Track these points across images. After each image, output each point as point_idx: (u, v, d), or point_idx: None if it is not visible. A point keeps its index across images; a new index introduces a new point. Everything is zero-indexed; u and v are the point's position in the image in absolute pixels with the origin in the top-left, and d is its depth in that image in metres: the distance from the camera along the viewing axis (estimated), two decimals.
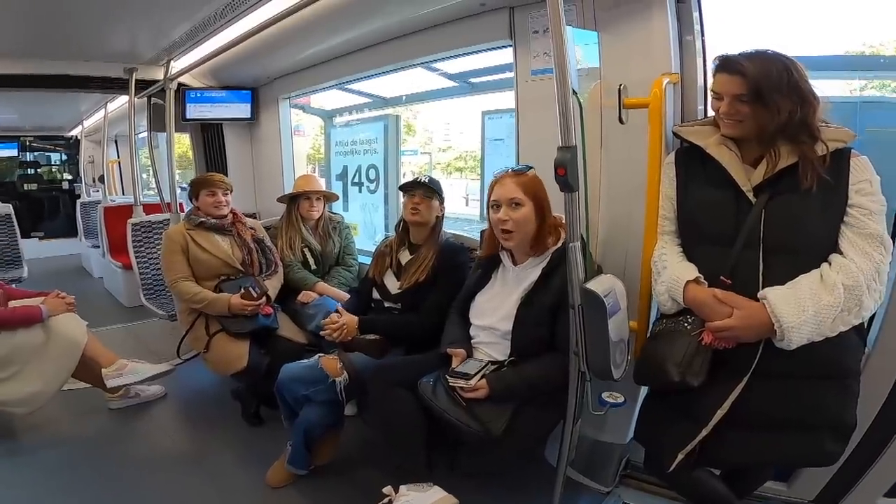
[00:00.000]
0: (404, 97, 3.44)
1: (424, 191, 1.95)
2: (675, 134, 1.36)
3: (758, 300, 1.14)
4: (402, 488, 1.50)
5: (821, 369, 1.17)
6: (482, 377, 1.48)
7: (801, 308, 1.09)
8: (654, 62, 1.53)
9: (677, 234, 1.34)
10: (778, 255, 1.16)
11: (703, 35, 1.59)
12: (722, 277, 1.20)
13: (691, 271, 1.24)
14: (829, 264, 1.13)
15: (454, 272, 1.92)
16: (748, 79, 1.13)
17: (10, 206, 4.39)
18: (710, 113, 1.29)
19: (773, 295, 1.11)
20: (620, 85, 1.46)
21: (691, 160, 1.31)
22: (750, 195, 1.19)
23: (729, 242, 1.20)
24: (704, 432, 1.22)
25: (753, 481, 1.52)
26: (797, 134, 1.13)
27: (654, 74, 1.47)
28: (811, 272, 1.13)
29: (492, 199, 1.56)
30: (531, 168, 1.56)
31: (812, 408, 1.18)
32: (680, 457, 1.26)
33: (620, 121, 1.46)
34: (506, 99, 3.32)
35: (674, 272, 1.25)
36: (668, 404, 1.33)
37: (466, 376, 1.48)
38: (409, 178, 2.23)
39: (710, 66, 1.29)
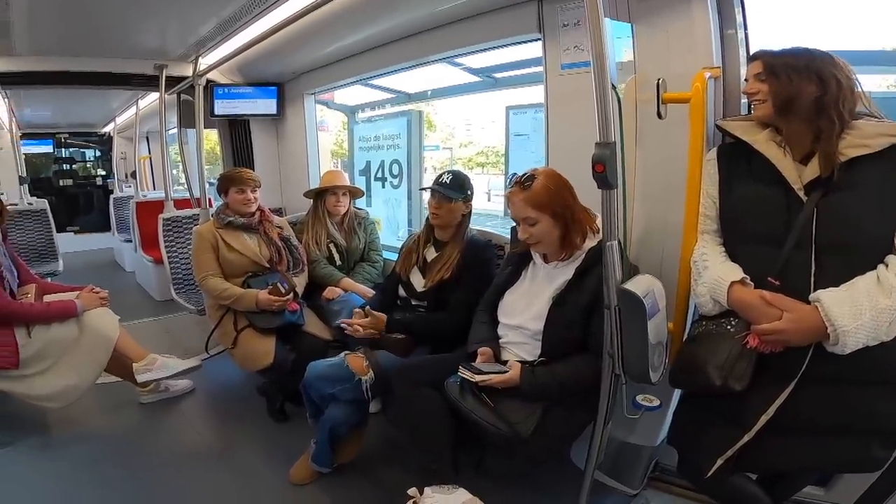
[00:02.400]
0: (429, 92, 3.42)
1: (442, 195, 1.91)
2: (719, 128, 1.31)
3: (808, 302, 1.09)
4: (427, 490, 1.49)
5: (875, 374, 1.11)
6: (492, 376, 1.45)
7: (858, 311, 1.03)
8: (693, 55, 1.47)
9: (719, 233, 1.29)
10: (831, 255, 1.11)
11: (745, 28, 1.52)
12: (770, 278, 1.15)
13: (736, 272, 1.19)
14: (886, 266, 1.07)
15: (480, 269, 1.89)
16: (765, 60, 1.18)
17: (46, 201, 4.54)
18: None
19: (828, 297, 1.06)
20: (659, 79, 1.40)
21: (735, 156, 1.26)
22: (801, 193, 1.14)
23: (776, 242, 1.15)
24: (747, 438, 1.18)
25: (793, 486, 1.47)
26: (822, 116, 1.11)
27: (694, 68, 1.41)
28: (867, 274, 1.07)
29: (511, 214, 1.54)
30: (536, 178, 1.47)
31: (862, 413, 1.14)
32: (719, 462, 1.22)
33: (659, 116, 1.41)
34: (529, 94, 3.28)
35: (717, 272, 1.21)
36: (705, 408, 1.29)
37: (479, 371, 1.46)
38: (430, 174, 2.19)
39: None
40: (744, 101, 1.48)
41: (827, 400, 1.14)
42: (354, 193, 2.63)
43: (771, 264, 1.15)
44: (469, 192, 1.96)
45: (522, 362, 1.51)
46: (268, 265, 2.34)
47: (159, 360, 2.29)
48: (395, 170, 3.37)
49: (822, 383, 1.13)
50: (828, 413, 1.14)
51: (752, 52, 1.26)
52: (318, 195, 2.56)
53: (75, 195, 7.48)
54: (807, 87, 1.11)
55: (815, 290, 1.09)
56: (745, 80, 1.24)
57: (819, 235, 1.11)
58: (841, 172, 1.10)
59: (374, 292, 2.33)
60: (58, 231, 4.44)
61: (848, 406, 1.13)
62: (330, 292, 2.39)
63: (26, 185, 4.68)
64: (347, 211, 2.58)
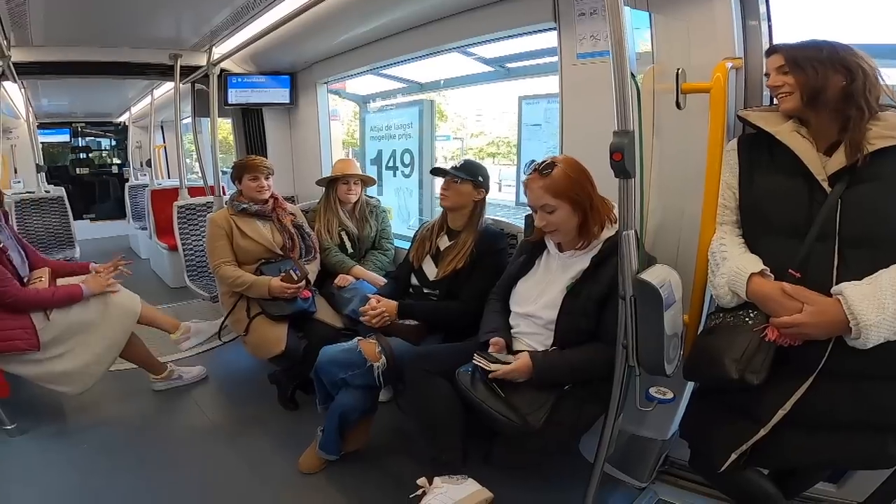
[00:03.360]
0: (442, 82, 3.40)
1: (452, 175, 1.92)
2: (740, 118, 1.29)
3: (830, 295, 1.07)
4: (437, 480, 1.50)
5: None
6: (502, 366, 1.45)
7: (882, 305, 1.01)
8: (714, 46, 1.45)
9: (738, 224, 1.28)
10: (854, 248, 1.08)
11: (769, 20, 1.49)
12: (791, 270, 1.13)
13: (756, 263, 1.17)
14: None
15: (494, 258, 1.89)
16: (786, 53, 1.16)
17: (63, 189, 4.61)
18: (776, 102, 1.23)
19: (851, 291, 1.04)
20: (678, 69, 1.38)
21: (756, 147, 1.24)
22: (825, 184, 1.11)
23: (798, 234, 1.13)
24: (763, 432, 1.16)
25: (805, 482, 1.46)
26: (850, 105, 1.09)
27: (714, 59, 1.39)
28: (891, 267, 1.05)
29: (528, 201, 1.52)
30: (555, 165, 1.45)
31: (880, 409, 1.12)
32: (733, 457, 1.21)
33: (678, 106, 1.39)
34: (542, 84, 3.26)
35: (736, 264, 1.19)
36: (720, 401, 1.28)
37: (495, 360, 1.46)
38: (441, 164, 2.19)
39: None
40: (766, 92, 1.45)
41: (845, 395, 1.12)
42: (366, 182, 2.64)
43: (792, 256, 1.13)
44: (480, 178, 1.95)
45: (534, 352, 1.50)
46: (280, 252, 2.35)
47: (192, 326, 2.33)
48: (407, 159, 3.37)
49: (841, 378, 1.11)
50: (845, 408, 1.13)
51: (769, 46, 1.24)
52: (330, 183, 2.57)
53: (91, 183, 7.58)
54: (833, 78, 1.10)
55: (837, 283, 1.07)
56: (766, 74, 1.22)
57: (843, 227, 1.09)
58: (866, 163, 1.07)
59: (385, 280, 2.34)
60: (74, 218, 4.52)
61: (866, 401, 1.11)
62: (341, 280, 2.40)
63: (43, 174, 4.75)
64: (359, 199, 2.59)
